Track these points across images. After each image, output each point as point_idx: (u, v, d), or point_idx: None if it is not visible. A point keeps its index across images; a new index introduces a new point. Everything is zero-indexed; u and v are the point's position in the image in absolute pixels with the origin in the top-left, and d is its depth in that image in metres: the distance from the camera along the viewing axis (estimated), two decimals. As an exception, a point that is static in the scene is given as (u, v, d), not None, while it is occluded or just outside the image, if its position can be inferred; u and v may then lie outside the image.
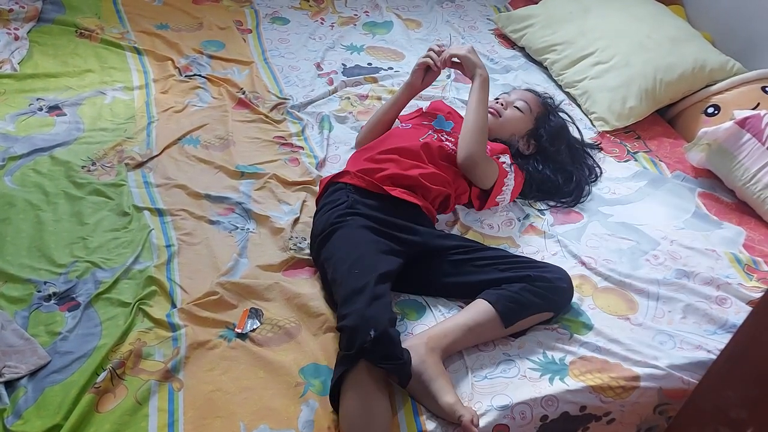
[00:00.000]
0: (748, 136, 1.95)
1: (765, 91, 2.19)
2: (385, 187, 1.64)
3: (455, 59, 1.85)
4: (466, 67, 1.84)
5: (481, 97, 1.80)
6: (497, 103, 1.96)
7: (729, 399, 1.29)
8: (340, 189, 1.68)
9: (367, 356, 1.29)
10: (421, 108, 2.03)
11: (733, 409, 1.27)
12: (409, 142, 1.77)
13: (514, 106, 1.94)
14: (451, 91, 2.36)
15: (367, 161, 1.74)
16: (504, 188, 1.82)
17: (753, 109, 2.09)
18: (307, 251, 1.67)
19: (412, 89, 1.92)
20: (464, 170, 1.77)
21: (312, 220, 1.71)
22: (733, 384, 1.29)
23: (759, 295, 1.63)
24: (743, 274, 1.74)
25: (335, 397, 1.31)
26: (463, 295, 1.57)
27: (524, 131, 1.94)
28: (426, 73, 1.89)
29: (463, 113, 2.01)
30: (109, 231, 1.67)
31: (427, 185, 1.69)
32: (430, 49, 1.87)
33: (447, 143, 1.81)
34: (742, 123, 1.96)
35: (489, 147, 1.81)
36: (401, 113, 2.00)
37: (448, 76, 2.44)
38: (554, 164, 1.94)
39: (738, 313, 1.62)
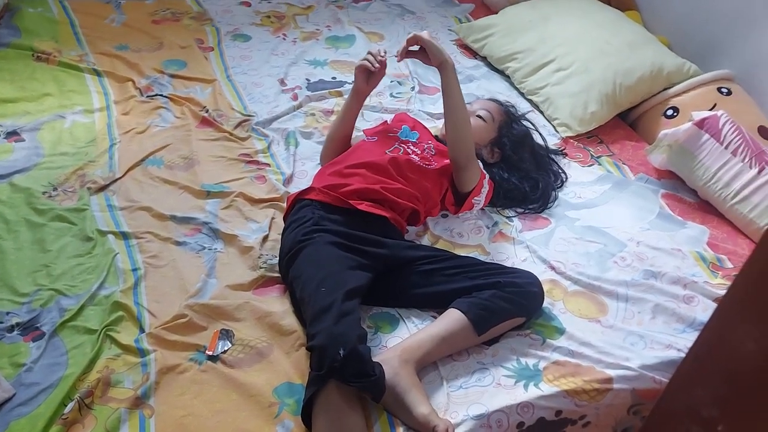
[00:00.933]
0: (706, 136, 1.99)
1: (721, 92, 2.24)
2: (351, 201, 1.64)
3: (413, 47, 1.75)
4: (431, 53, 1.72)
5: (458, 88, 1.76)
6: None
7: (699, 397, 1.30)
8: (306, 206, 1.67)
9: (337, 375, 1.28)
10: (386, 121, 2.03)
11: (703, 407, 1.28)
12: (376, 157, 1.76)
13: (477, 116, 1.94)
14: (415, 103, 2.37)
15: (333, 176, 1.73)
16: (482, 189, 1.83)
17: (710, 109, 2.14)
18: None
19: (359, 94, 1.86)
20: (457, 167, 1.77)
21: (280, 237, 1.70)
22: (702, 382, 1.30)
23: (724, 292, 1.66)
24: (708, 272, 1.77)
25: (308, 418, 1.30)
26: (435, 305, 1.57)
27: (487, 140, 1.95)
28: (369, 75, 1.81)
29: (427, 125, 2.02)
30: (72, 257, 1.64)
31: (395, 199, 1.69)
32: (369, 52, 1.79)
33: (413, 156, 1.80)
34: (701, 124, 2.00)
35: None
36: (366, 127, 2.00)
37: (413, 89, 2.45)
38: (519, 172, 1.96)
39: (705, 311, 1.64)
